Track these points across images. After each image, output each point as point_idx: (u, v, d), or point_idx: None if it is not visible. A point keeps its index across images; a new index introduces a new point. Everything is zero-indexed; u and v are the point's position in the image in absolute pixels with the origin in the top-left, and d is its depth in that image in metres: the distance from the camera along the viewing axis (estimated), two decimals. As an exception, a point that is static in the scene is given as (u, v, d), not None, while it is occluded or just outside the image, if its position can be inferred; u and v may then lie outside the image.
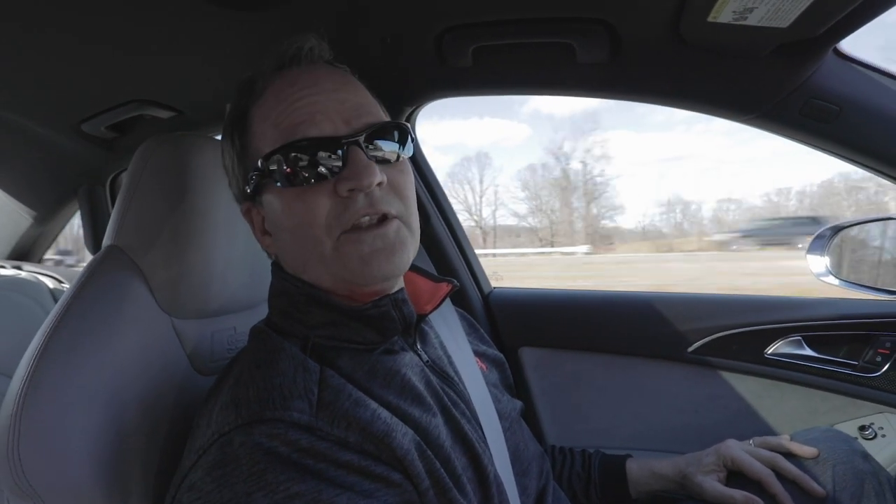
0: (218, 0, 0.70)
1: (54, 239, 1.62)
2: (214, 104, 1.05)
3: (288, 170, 0.51)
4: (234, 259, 0.70)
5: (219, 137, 0.71)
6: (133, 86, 0.97)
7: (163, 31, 0.79)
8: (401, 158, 0.57)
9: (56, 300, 1.41)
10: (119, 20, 0.76)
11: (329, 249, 0.52)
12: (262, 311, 0.80)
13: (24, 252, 1.58)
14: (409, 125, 0.58)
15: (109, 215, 1.43)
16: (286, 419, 0.45)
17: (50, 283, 1.45)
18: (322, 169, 0.51)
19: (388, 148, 0.55)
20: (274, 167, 0.52)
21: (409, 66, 0.85)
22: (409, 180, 0.57)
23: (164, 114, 1.05)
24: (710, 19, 0.62)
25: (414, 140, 0.58)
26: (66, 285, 1.47)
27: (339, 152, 0.51)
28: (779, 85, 0.73)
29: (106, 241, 0.67)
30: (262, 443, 0.43)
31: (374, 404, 0.50)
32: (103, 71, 0.91)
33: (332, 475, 0.44)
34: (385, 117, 0.58)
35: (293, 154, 0.51)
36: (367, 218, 0.51)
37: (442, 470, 0.50)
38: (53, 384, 0.52)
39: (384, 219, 0.52)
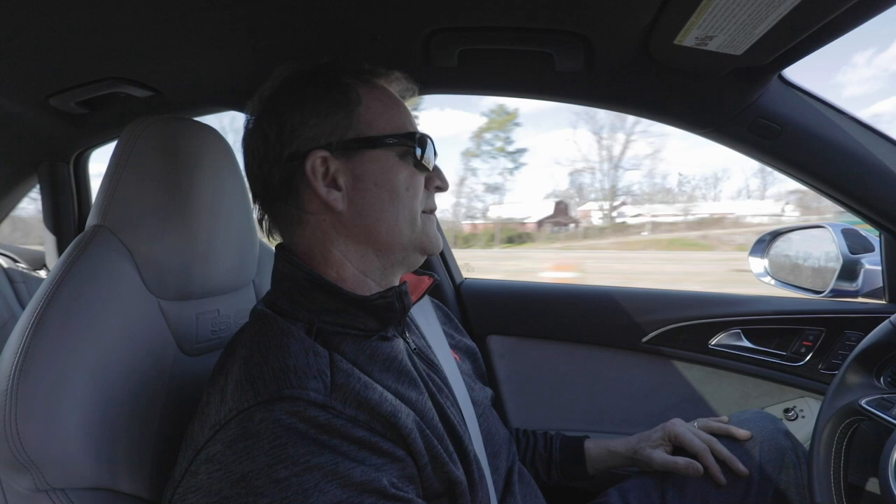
0: None
1: (6, 216, 1.54)
2: (193, 87, 1.04)
3: (420, 150, 0.63)
4: (217, 242, 0.72)
5: (199, 119, 0.73)
6: (110, 62, 0.94)
7: (143, 8, 0.78)
8: None
9: (10, 280, 1.35)
10: None
11: (419, 219, 0.64)
12: (244, 295, 0.83)
13: None
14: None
15: (72, 194, 1.39)
16: (304, 398, 0.48)
17: (3, 262, 1.38)
18: (430, 164, 0.65)
19: None
20: (406, 141, 0.62)
21: (398, 63, 0.87)
22: None
23: (140, 92, 1.03)
24: (675, 42, 0.68)
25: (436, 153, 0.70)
26: (22, 265, 1.41)
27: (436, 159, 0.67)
28: (730, 104, 0.81)
29: (91, 221, 0.67)
30: (283, 419, 0.46)
31: (379, 387, 0.54)
32: (80, 45, 0.88)
33: (346, 450, 0.48)
34: None
35: (426, 143, 0.64)
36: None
37: (438, 446, 0.54)
38: (47, 360, 0.53)
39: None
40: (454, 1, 0.73)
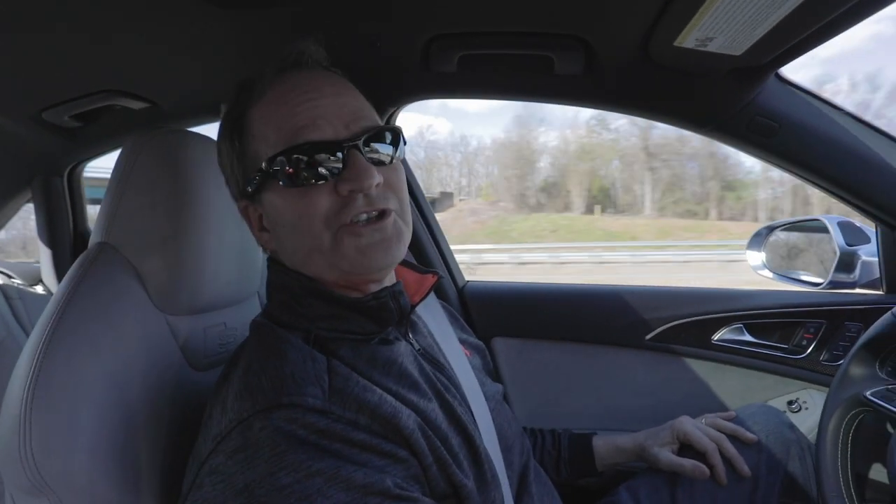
0: None
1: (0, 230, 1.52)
2: (191, 97, 1.03)
3: (291, 171, 0.54)
4: (223, 254, 0.71)
5: (194, 129, 0.71)
6: (105, 75, 0.93)
7: (141, 21, 0.77)
8: (394, 160, 0.60)
9: (6, 296, 1.33)
10: (93, 6, 0.73)
11: (328, 242, 0.55)
12: (249, 306, 0.82)
13: None
14: (401, 128, 0.61)
15: (66, 208, 1.38)
16: (302, 404, 0.48)
17: (-1, 278, 1.37)
18: (323, 170, 0.54)
19: (383, 150, 0.58)
20: (277, 168, 0.54)
21: (397, 69, 0.87)
22: (403, 178, 0.61)
23: (136, 105, 1.02)
24: (675, 43, 0.69)
25: (406, 142, 0.62)
26: (18, 281, 1.39)
27: (340, 155, 0.54)
28: (729, 102, 0.82)
29: (95, 238, 0.66)
30: (282, 426, 0.46)
31: (378, 390, 0.54)
32: (74, 59, 0.87)
33: (348, 453, 0.48)
34: (379, 121, 0.61)
35: (296, 156, 0.54)
36: (364, 215, 0.55)
37: (442, 448, 0.54)
38: (59, 382, 0.52)
39: (382, 214, 0.56)
40: (454, 7, 0.73)
